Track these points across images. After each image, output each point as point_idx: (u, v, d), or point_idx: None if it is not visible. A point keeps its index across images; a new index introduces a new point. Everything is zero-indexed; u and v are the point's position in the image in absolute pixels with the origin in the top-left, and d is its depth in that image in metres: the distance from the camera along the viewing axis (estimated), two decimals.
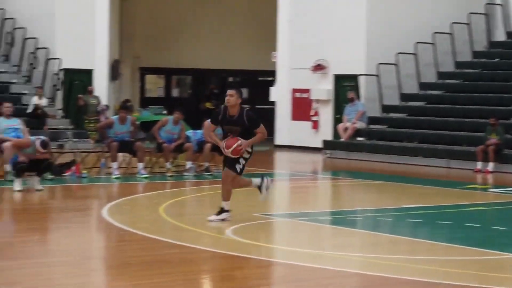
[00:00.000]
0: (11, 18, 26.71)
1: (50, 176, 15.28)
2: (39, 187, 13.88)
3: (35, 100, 23.82)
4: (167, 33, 31.30)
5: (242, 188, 11.29)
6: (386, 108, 24.04)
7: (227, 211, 10.79)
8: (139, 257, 8.62)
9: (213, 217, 10.78)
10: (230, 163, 10.71)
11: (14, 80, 25.68)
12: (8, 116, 15.41)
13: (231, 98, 10.65)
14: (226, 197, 10.78)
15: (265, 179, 11.15)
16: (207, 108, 29.03)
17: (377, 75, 23.82)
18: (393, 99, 24.05)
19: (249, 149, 10.75)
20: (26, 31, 26.31)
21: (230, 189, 10.82)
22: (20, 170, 13.78)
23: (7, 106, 15.57)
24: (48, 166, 14.45)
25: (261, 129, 10.72)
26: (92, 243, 9.95)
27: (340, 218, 12.08)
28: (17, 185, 13.72)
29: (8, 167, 14.68)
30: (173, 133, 16.98)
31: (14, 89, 25.32)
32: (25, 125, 15.32)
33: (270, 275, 8.25)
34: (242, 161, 10.72)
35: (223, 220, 10.73)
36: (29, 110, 23.54)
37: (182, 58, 31.29)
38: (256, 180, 11.16)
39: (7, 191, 13.89)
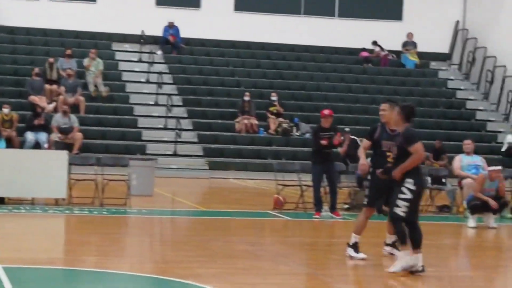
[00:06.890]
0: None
1: (510, 215, 15.57)
2: (493, 225, 14.21)
3: (509, 138, 23.67)
4: None
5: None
6: None
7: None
8: None
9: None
10: (390, 203, 9.15)
11: (471, 97, 27.33)
12: (468, 153, 15.61)
13: (384, 112, 10.09)
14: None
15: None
16: None
17: None
18: None
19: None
20: (486, 50, 27.85)
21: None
22: (474, 207, 14.18)
23: (467, 144, 15.70)
24: (503, 205, 14.57)
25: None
26: None
27: None
28: (471, 222, 14.20)
29: (464, 204, 15.01)
30: None
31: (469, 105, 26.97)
32: (485, 162, 15.53)
33: None
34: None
35: None
36: (503, 148, 23.66)
37: None
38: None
39: (463, 228, 14.53)
